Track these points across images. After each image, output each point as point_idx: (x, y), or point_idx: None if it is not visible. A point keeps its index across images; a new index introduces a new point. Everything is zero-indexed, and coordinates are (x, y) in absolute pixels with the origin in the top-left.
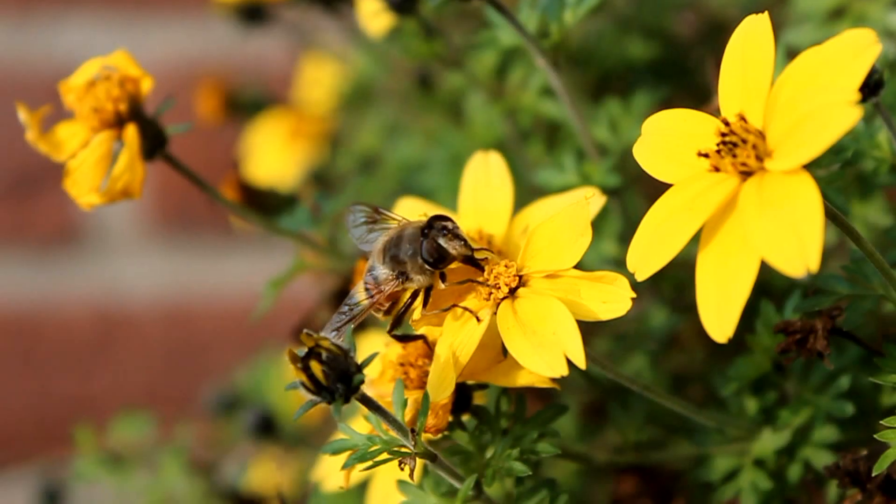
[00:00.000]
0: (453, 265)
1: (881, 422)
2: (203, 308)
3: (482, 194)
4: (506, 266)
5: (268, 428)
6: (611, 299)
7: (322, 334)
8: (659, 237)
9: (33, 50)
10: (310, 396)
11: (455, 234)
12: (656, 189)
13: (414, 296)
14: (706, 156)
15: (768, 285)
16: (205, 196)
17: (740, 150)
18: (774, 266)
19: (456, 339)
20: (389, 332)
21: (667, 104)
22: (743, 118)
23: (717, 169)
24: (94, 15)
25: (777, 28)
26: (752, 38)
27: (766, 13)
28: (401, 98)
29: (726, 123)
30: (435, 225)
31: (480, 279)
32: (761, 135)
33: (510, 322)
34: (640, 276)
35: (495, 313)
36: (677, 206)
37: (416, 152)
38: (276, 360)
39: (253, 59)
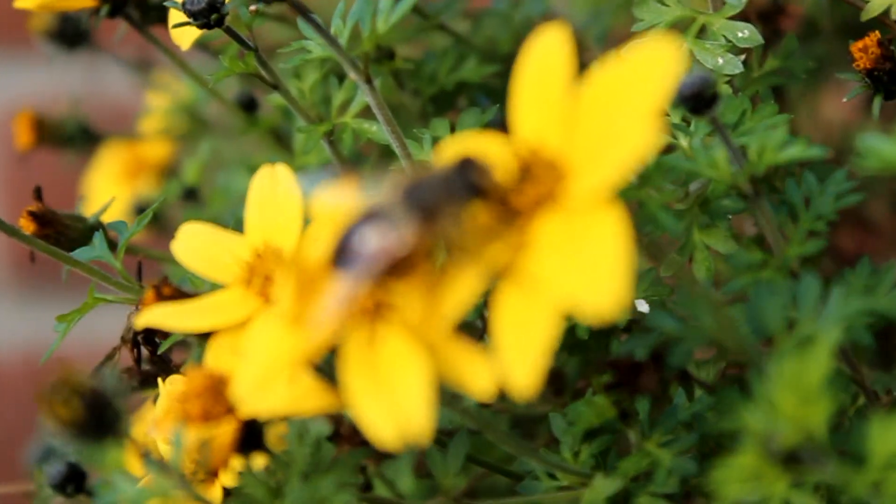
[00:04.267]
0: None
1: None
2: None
3: (269, 207)
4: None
5: (78, 479)
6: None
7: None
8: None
9: None
10: (65, 439)
11: (486, 168)
12: None
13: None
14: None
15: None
16: None
17: (535, 180)
18: (577, 308)
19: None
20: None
21: (498, 125)
22: (536, 145)
23: (510, 202)
24: None
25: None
26: (546, 52)
27: (564, 21)
28: (226, 124)
29: (520, 151)
30: (462, 160)
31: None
32: (554, 162)
33: (359, 358)
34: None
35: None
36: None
37: (242, 181)
38: None
39: (102, 94)
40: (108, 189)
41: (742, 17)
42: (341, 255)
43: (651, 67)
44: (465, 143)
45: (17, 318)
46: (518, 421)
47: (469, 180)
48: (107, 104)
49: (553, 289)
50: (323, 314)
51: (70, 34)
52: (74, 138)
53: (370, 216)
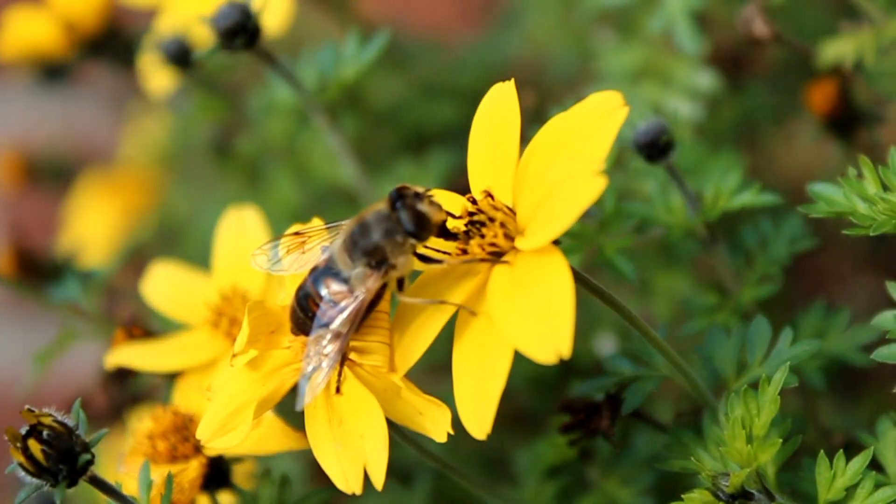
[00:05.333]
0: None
1: None
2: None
3: (236, 250)
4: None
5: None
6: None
7: (308, 368)
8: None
9: None
10: (30, 479)
11: (430, 199)
12: None
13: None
14: (455, 237)
15: (573, 363)
16: None
17: (488, 230)
18: (525, 354)
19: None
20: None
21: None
22: (490, 194)
23: (464, 251)
24: None
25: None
26: (497, 107)
27: (513, 81)
28: (202, 163)
29: (473, 201)
30: (405, 194)
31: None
32: (511, 211)
33: (320, 402)
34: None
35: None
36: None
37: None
38: None
39: (82, 128)
40: (89, 221)
41: (712, 58)
42: (308, 310)
43: (595, 119)
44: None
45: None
46: (490, 457)
47: (404, 208)
48: (86, 137)
49: (504, 336)
50: (316, 379)
51: (48, 69)
52: (54, 173)
53: (329, 270)
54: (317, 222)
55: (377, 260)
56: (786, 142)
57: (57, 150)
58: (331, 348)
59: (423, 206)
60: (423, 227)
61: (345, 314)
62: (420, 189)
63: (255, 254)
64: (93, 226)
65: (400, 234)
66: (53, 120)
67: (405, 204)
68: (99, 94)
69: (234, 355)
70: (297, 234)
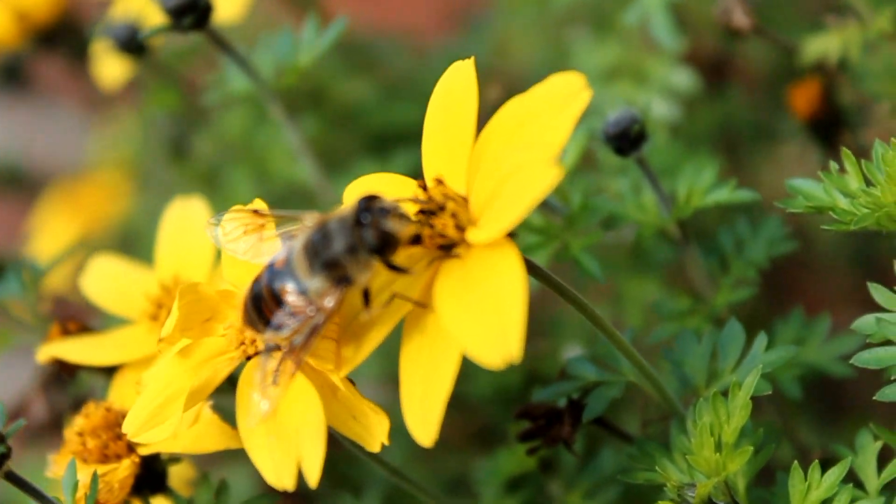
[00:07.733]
0: None
1: None
2: None
3: (180, 241)
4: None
5: None
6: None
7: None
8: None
9: None
10: None
11: (398, 213)
12: None
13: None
14: (420, 242)
15: (539, 374)
16: None
17: (437, 219)
18: (472, 358)
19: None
20: None
21: None
22: (441, 181)
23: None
24: None
25: None
26: (454, 86)
27: (472, 59)
28: (162, 168)
29: (424, 188)
30: (371, 207)
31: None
32: (464, 200)
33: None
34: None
35: None
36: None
37: None
38: None
39: (49, 139)
40: (52, 237)
41: (690, 61)
42: (261, 312)
43: (554, 104)
44: (371, 184)
45: None
46: (452, 476)
47: (370, 227)
48: (52, 148)
49: (452, 338)
50: (275, 390)
51: (5, 70)
52: (15, 185)
53: (287, 275)
54: (259, 204)
55: (338, 276)
56: (766, 147)
57: (19, 161)
58: (284, 367)
59: (389, 225)
60: (389, 246)
61: (302, 334)
62: (388, 203)
63: (210, 222)
64: (55, 242)
65: (363, 252)
66: (18, 131)
67: (372, 223)
68: (66, 105)
69: (160, 340)
70: (256, 212)
